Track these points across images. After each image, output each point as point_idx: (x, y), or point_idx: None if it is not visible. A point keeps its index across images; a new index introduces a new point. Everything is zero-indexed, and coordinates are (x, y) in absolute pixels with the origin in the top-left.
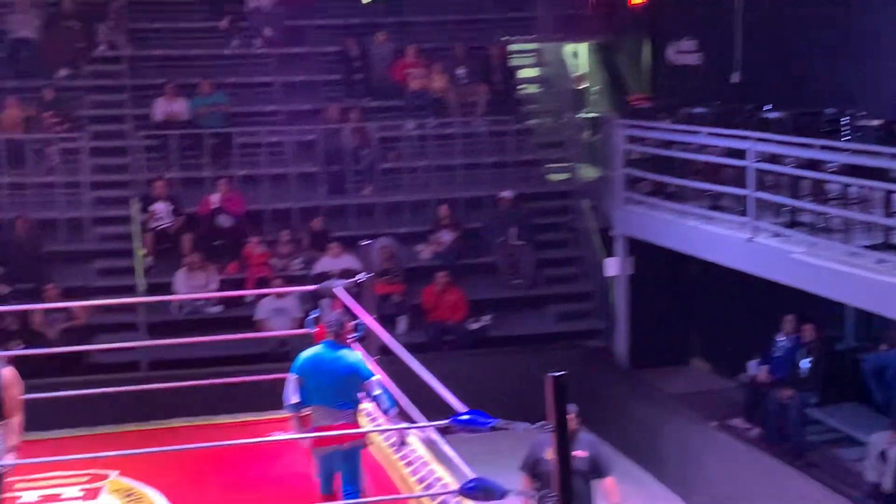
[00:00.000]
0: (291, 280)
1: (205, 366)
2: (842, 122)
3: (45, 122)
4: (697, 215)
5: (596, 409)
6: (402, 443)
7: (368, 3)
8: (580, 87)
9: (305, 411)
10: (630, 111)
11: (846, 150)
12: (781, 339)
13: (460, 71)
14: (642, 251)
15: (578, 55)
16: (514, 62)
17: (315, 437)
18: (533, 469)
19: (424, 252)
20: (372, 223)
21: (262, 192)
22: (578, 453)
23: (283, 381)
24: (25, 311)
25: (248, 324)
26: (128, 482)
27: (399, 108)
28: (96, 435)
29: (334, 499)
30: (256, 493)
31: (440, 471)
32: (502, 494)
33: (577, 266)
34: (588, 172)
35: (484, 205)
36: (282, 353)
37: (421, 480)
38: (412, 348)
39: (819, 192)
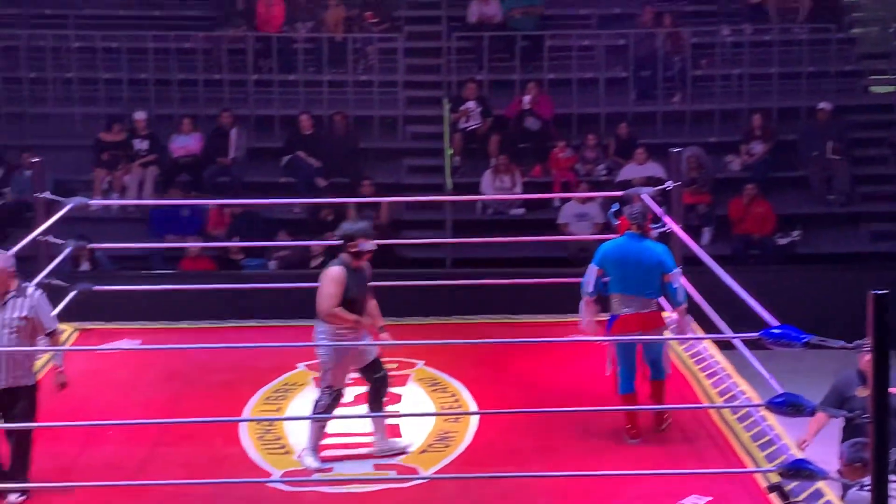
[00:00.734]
0: (595, 185)
1: (506, 266)
2: None
3: (365, 23)
4: None
5: None
6: (685, 334)
7: None
8: None
9: (614, 298)
10: None
11: None
12: None
13: None
14: None
15: None
16: None
17: (617, 324)
18: (838, 408)
19: (734, 163)
20: (680, 131)
21: (571, 96)
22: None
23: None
24: (341, 205)
25: (550, 227)
26: (433, 371)
27: (714, 14)
28: (404, 325)
29: (634, 400)
30: (554, 391)
31: (743, 384)
32: (812, 410)
33: None
34: None
35: (799, 116)
36: (582, 257)
37: (723, 393)
38: (716, 260)
39: None
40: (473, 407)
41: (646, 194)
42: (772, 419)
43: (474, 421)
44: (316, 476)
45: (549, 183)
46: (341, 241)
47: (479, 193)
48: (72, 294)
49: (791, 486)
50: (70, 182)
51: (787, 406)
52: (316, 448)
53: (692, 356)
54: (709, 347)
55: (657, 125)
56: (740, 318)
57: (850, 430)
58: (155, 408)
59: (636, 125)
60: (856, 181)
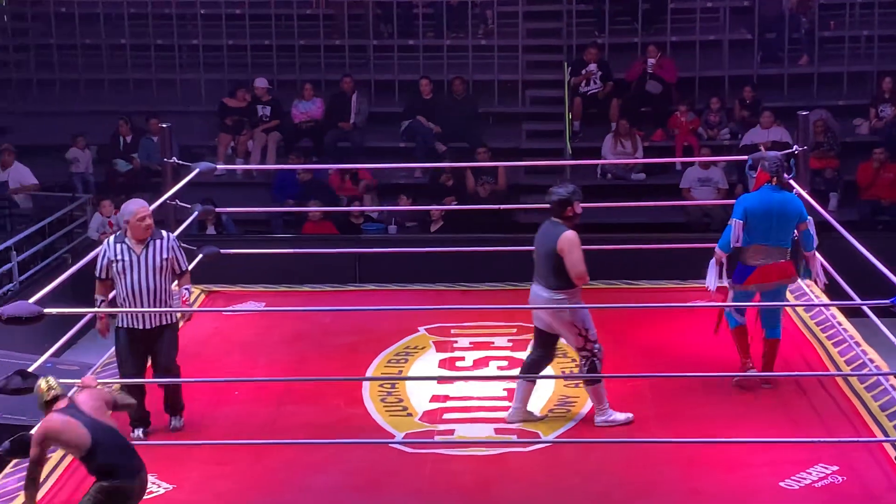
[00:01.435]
0: (718, 150)
1: (626, 231)
2: None
3: None
4: None
5: None
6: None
7: None
8: None
9: (753, 249)
10: None
11: None
12: None
13: None
14: None
15: None
16: None
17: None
18: None
19: (862, 126)
20: (807, 94)
21: (693, 59)
22: None
23: (704, 251)
24: (460, 170)
25: (672, 192)
26: None
27: None
28: (524, 290)
29: (745, 331)
30: (675, 357)
31: (872, 352)
32: None
33: None
34: None
35: None
36: (704, 223)
37: (851, 361)
38: (843, 226)
39: None
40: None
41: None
42: None
43: None
44: (437, 438)
45: (671, 147)
46: (557, 205)
47: (599, 158)
48: (199, 257)
49: None
50: (195, 147)
51: None
52: (605, 401)
53: (819, 324)
54: (837, 315)
55: (783, 88)
56: (869, 285)
57: None
58: (279, 369)
59: (761, 87)
60: None
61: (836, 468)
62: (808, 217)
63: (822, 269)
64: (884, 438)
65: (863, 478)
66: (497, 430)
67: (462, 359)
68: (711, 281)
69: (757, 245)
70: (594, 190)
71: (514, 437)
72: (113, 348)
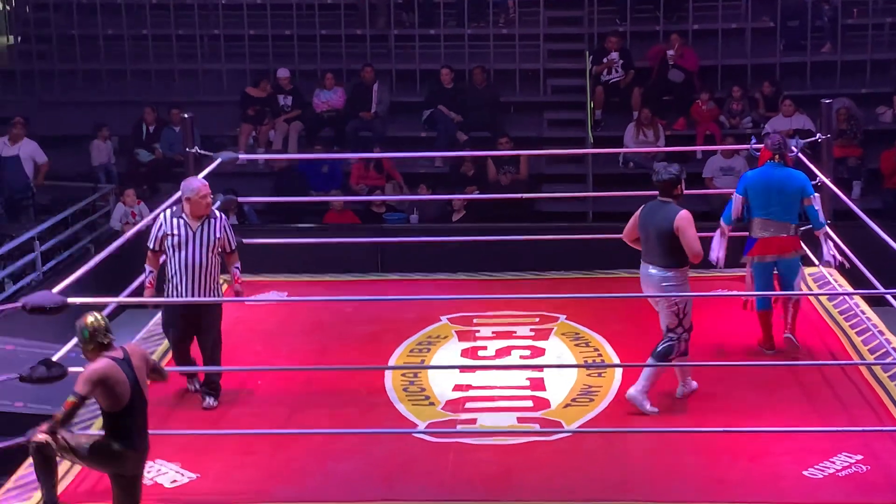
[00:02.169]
0: (741, 138)
1: None
2: None
3: None
4: None
5: None
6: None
7: None
8: None
9: (755, 222)
10: None
11: None
12: None
13: None
14: None
15: None
16: None
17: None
18: None
19: (885, 114)
20: (830, 82)
21: (716, 47)
22: None
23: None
24: (481, 159)
25: (694, 181)
26: (575, 325)
27: None
28: (545, 280)
29: (769, 316)
30: (697, 346)
31: (895, 341)
32: None
33: None
34: None
35: None
36: None
37: (875, 350)
38: (867, 214)
39: None
40: (616, 362)
41: (794, 146)
42: None
43: (618, 376)
44: (460, 428)
45: (693, 136)
46: (669, 185)
47: (621, 147)
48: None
49: None
50: (216, 137)
51: None
52: (647, 392)
53: (843, 312)
54: (860, 303)
55: (806, 76)
56: (893, 273)
57: None
58: (301, 358)
59: (784, 76)
60: None
61: (860, 457)
62: (814, 194)
63: (837, 248)
64: None
65: (887, 466)
66: (520, 420)
67: (484, 348)
68: (716, 251)
69: (758, 219)
70: (616, 179)
71: (536, 427)
72: (154, 318)
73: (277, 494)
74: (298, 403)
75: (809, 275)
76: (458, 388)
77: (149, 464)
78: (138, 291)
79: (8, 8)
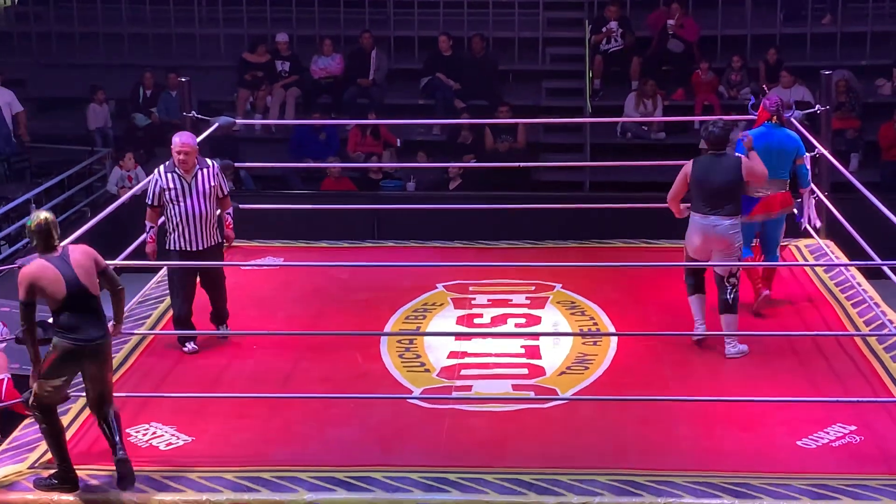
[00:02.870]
0: (740, 109)
1: (646, 190)
2: None
3: None
4: None
5: None
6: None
7: None
8: None
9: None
10: None
11: None
12: None
13: None
14: None
15: None
16: None
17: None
18: None
19: (885, 87)
20: (829, 54)
21: (716, 16)
22: None
23: None
24: (479, 128)
25: (692, 152)
26: (571, 294)
27: None
28: (542, 248)
29: (752, 259)
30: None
31: (891, 313)
32: None
33: None
34: None
35: None
36: None
37: (870, 322)
38: (865, 187)
39: None
40: (612, 330)
41: (793, 118)
42: None
43: (613, 344)
44: (455, 394)
45: (692, 107)
46: (722, 139)
47: (619, 117)
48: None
49: None
50: (214, 102)
51: None
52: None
53: (839, 284)
54: (856, 275)
55: (806, 48)
56: (890, 245)
57: None
58: (297, 323)
59: (784, 47)
60: None
61: (853, 428)
62: (806, 153)
63: (816, 210)
64: None
65: (880, 437)
66: (514, 387)
67: (480, 315)
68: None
69: None
70: (614, 149)
71: (531, 394)
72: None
73: (272, 458)
74: (294, 369)
75: (806, 246)
76: (453, 355)
77: (143, 426)
78: (139, 250)
79: None
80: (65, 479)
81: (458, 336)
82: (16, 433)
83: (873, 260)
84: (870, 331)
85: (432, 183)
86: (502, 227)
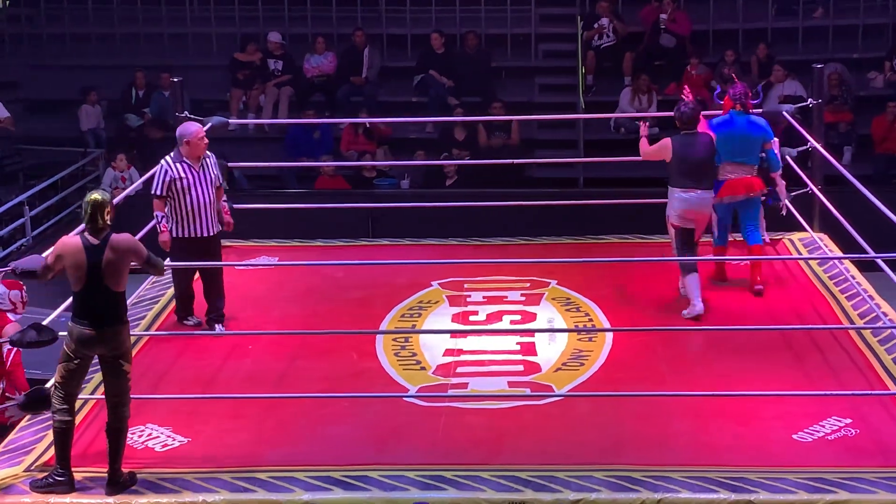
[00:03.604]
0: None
1: (640, 186)
2: None
3: None
4: None
5: None
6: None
7: None
8: None
9: (724, 167)
10: None
11: None
12: None
13: None
14: None
15: None
16: None
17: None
18: None
19: (877, 80)
20: (822, 47)
21: (707, 10)
22: None
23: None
24: (473, 125)
25: None
26: (566, 291)
27: None
28: (536, 245)
29: (725, 250)
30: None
31: (885, 305)
32: None
33: None
34: None
35: None
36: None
37: (864, 314)
38: (858, 180)
39: None
40: (607, 326)
41: (785, 111)
42: None
43: (608, 340)
44: (451, 392)
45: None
46: (695, 118)
47: (613, 112)
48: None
49: None
50: (206, 102)
51: None
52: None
53: (833, 277)
54: (850, 268)
55: (798, 41)
56: (884, 238)
57: None
58: (292, 323)
59: (776, 40)
60: None
61: (848, 421)
62: (774, 138)
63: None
64: None
65: (876, 430)
66: (510, 384)
67: (475, 313)
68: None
69: (725, 163)
70: (607, 144)
71: (527, 391)
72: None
73: (268, 458)
74: (289, 368)
75: (800, 239)
76: (449, 352)
77: (140, 427)
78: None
79: None
80: (61, 481)
81: (454, 333)
82: (12, 436)
83: (867, 253)
84: (864, 323)
85: (426, 181)
86: (497, 224)
